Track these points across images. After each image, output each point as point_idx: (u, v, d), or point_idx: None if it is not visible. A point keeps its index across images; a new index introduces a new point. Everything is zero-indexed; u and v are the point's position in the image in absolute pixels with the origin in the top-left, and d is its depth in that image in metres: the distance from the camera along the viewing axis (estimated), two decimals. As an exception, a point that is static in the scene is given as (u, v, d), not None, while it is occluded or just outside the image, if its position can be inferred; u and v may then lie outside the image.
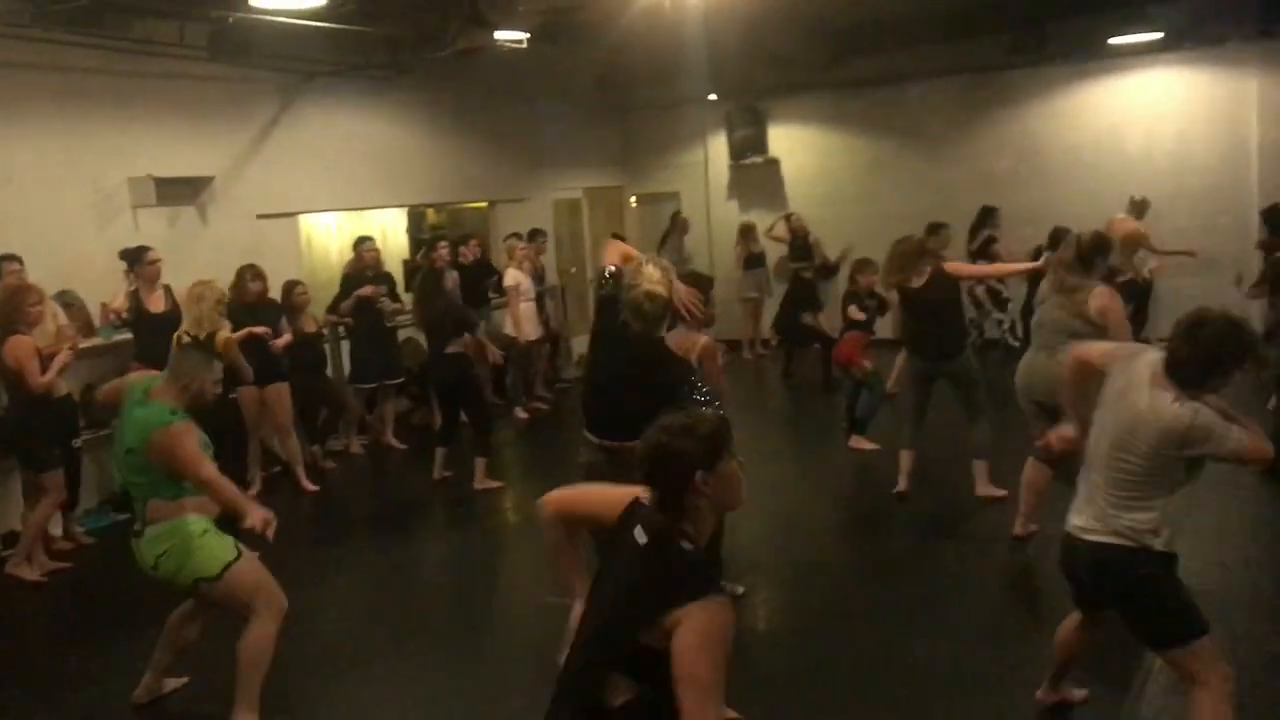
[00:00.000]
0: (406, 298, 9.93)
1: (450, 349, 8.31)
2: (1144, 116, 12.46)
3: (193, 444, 4.29)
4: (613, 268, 4.91)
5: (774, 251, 13.88)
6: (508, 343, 10.70)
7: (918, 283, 7.11)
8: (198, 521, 4.37)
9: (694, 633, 2.31)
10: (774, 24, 10.21)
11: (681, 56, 10.57)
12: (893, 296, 8.68)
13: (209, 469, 4.29)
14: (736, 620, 2.42)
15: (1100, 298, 5.51)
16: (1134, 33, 11.29)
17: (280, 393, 8.43)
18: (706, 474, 2.49)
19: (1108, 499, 3.56)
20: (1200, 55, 12.04)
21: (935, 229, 10.70)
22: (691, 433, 2.52)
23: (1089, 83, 12.74)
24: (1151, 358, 3.60)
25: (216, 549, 4.37)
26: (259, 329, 8.07)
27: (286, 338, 8.49)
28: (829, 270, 12.66)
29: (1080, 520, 3.67)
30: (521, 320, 10.68)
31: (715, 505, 2.57)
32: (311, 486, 8.60)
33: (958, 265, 7.41)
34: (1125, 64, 12.39)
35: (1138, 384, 3.55)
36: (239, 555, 4.40)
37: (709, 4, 8.29)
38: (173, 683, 4.97)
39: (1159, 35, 11.31)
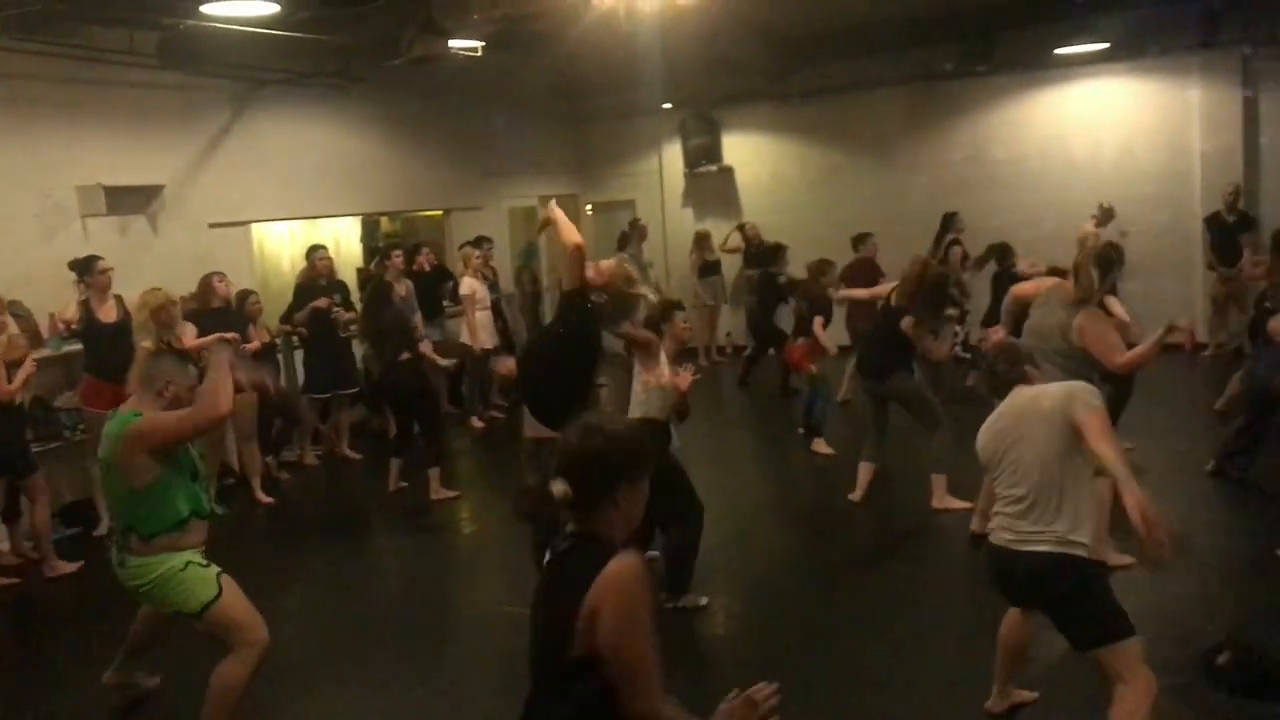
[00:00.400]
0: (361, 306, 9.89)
1: (404, 357, 8.28)
2: (1090, 125, 12.67)
3: (163, 415, 4.24)
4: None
5: (730, 258, 13.94)
6: (463, 351, 10.67)
7: (895, 301, 7.17)
8: (179, 556, 4.27)
9: (612, 616, 2.25)
10: (728, 33, 10.27)
11: (636, 65, 10.61)
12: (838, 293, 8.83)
13: (193, 411, 4.25)
14: (651, 581, 2.35)
15: (1080, 319, 5.42)
16: (1080, 43, 11.50)
17: (248, 401, 8.37)
18: (630, 487, 2.42)
19: (1040, 513, 3.74)
20: (1144, 65, 12.25)
21: (862, 239, 10.84)
22: (619, 441, 2.44)
23: (1037, 92, 12.94)
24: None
25: (197, 586, 4.27)
26: (227, 335, 8.01)
27: (256, 343, 8.46)
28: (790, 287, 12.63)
29: (1010, 534, 3.83)
30: (477, 329, 10.65)
31: (621, 523, 2.44)
32: (266, 498, 8.52)
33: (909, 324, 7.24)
34: (1072, 74, 12.60)
35: (1019, 399, 3.92)
36: (220, 592, 4.30)
37: (664, 13, 8.33)
38: (146, 680, 4.96)
39: (1104, 46, 11.53)
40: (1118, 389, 7.01)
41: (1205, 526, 6.79)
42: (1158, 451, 7.97)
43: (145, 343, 7.28)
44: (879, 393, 7.33)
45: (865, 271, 10.45)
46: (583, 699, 2.29)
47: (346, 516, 8.40)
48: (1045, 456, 3.76)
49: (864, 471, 7.46)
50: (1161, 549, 3.38)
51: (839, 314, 9.65)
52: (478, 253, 11.04)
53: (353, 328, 9.70)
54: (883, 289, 7.74)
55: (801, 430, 9.17)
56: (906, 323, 7.01)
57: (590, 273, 5.25)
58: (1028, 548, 3.76)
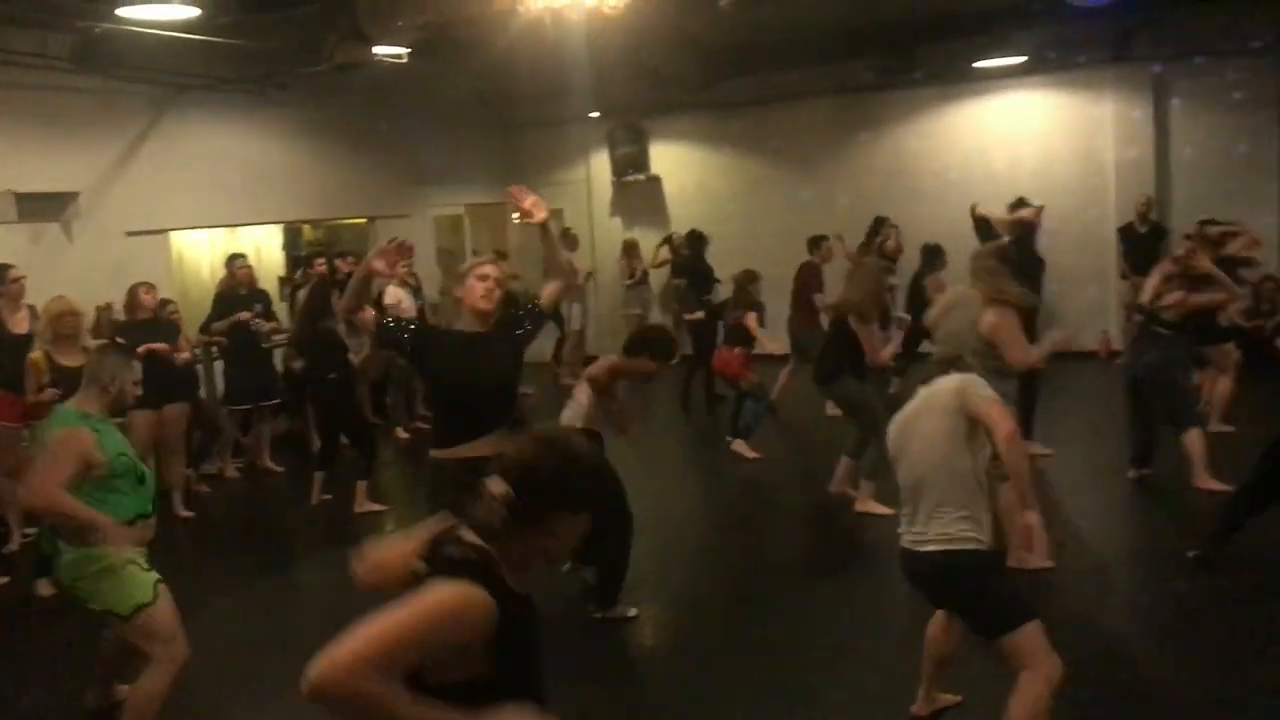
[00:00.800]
0: (285, 315, 9.75)
1: (332, 376, 8.18)
2: (1008, 136, 12.96)
3: (67, 457, 4.13)
4: None
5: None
6: (387, 361, 10.55)
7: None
8: (120, 553, 4.20)
9: (407, 601, 2.03)
10: (655, 43, 10.32)
11: (563, 74, 10.60)
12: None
13: (55, 495, 4.11)
14: (475, 613, 2.05)
15: (991, 314, 5.51)
16: (998, 57, 11.75)
17: (180, 413, 8.27)
18: (571, 517, 2.20)
19: (937, 510, 3.78)
20: (1060, 78, 12.59)
21: (817, 242, 10.96)
22: (577, 462, 2.21)
23: (956, 104, 13.21)
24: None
25: (132, 586, 4.21)
26: (158, 345, 7.83)
27: (186, 353, 8.32)
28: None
29: (911, 536, 3.89)
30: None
31: (545, 554, 2.23)
32: (186, 512, 8.34)
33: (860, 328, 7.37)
34: (990, 86, 12.87)
35: (922, 393, 3.99)
36: (155, 599, 4.24)
37: (590, 22, 8.33)
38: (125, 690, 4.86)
39: (1022, 59, 11.79)
40: (1025, 387, 7.23)
41: (1123, 530, 6.97)
42: (1076, 456, 8.17)
43: (34, 353, 7.07)
44: (828, 397, 7.41)
45: (809, 276, 10.55)
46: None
47: (269, 530, 8.24)
48: (938, 447, 3.80)
49: (841, 466, 7.49)
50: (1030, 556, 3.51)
51: (779, 320, 9.80)
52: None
53: (275, 338, 9.55)
54: None
55: (730, 438, 9.21)
56: (854, 320, 7.10)
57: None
58: (924, 548, 3.82)
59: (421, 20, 8.34)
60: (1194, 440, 7.12)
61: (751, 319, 9.09)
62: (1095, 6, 7.29)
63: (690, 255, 12.26)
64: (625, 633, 5.70)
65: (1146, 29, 11.31)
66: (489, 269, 4.70)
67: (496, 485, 2.14)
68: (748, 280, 9.38)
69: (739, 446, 9.03)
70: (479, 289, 4.61)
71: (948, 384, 3.91)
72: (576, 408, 5.75)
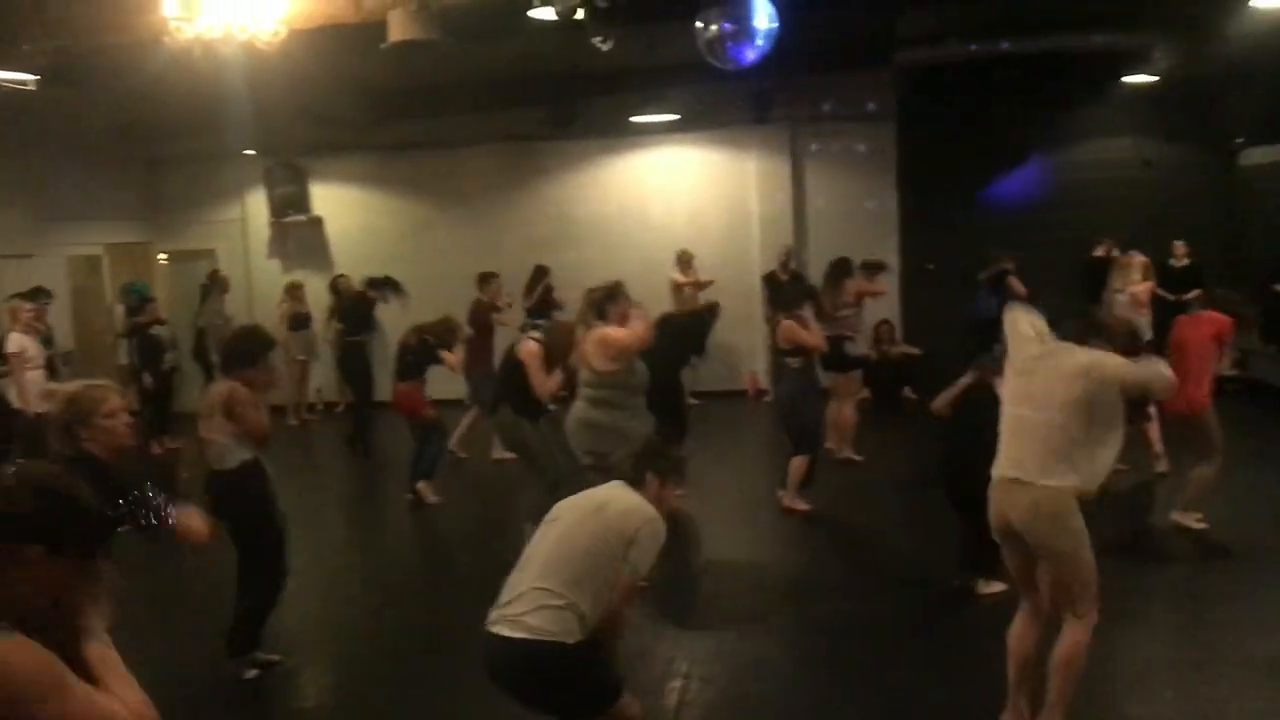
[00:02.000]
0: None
1: None
2: (664, 188, 13.68)
3: None
4: None
5: (319, 310, 13.53)
6: (12, 415, 9.53)
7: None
8: None
9: None
10: (317, 82, 10.04)
11: (215, 108, 10.08)
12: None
13: None
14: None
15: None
16: (653, 113, 12.38)
17: None
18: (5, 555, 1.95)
19: (536, 595, 3.67)
20: (709, 135, 13.45)
21: (487, 279, 10.93)
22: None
23: (616, 156, 13.78)
24: None
25: None
26: None
27: None
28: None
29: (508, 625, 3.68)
30: (27, 390, 9.54)
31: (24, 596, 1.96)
32: None
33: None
34: (647, 141, 13.55)
35: None
36: None
37: (245, 56, 8.00)
38: None
39: (675, 116, 12.49)
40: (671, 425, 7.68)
41: (771, 556, 7.45)
42: (727, 488, 8.67)
43: None
44: (495, 430, 7.37)
45: (478, 316, 10.47)
46: None
47: None
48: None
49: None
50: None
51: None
52: (29, 306, 9.91)
53: None
54: None
55: (411, 492, 8.86)
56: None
57: None
58: (518, 634, 3.69)
59: (50, 45, 7.66)
60: (799, 465, 7.94)
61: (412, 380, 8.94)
62: (737, 70, 7.87)
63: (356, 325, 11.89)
64: (285, 692, 5.43)
65: (784, 93, 12.29)
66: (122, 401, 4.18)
67: None
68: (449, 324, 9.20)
69: (423, 488, 8.79)
70: (121, 426, 4.13)
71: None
72: (229, 450, 5.42)
